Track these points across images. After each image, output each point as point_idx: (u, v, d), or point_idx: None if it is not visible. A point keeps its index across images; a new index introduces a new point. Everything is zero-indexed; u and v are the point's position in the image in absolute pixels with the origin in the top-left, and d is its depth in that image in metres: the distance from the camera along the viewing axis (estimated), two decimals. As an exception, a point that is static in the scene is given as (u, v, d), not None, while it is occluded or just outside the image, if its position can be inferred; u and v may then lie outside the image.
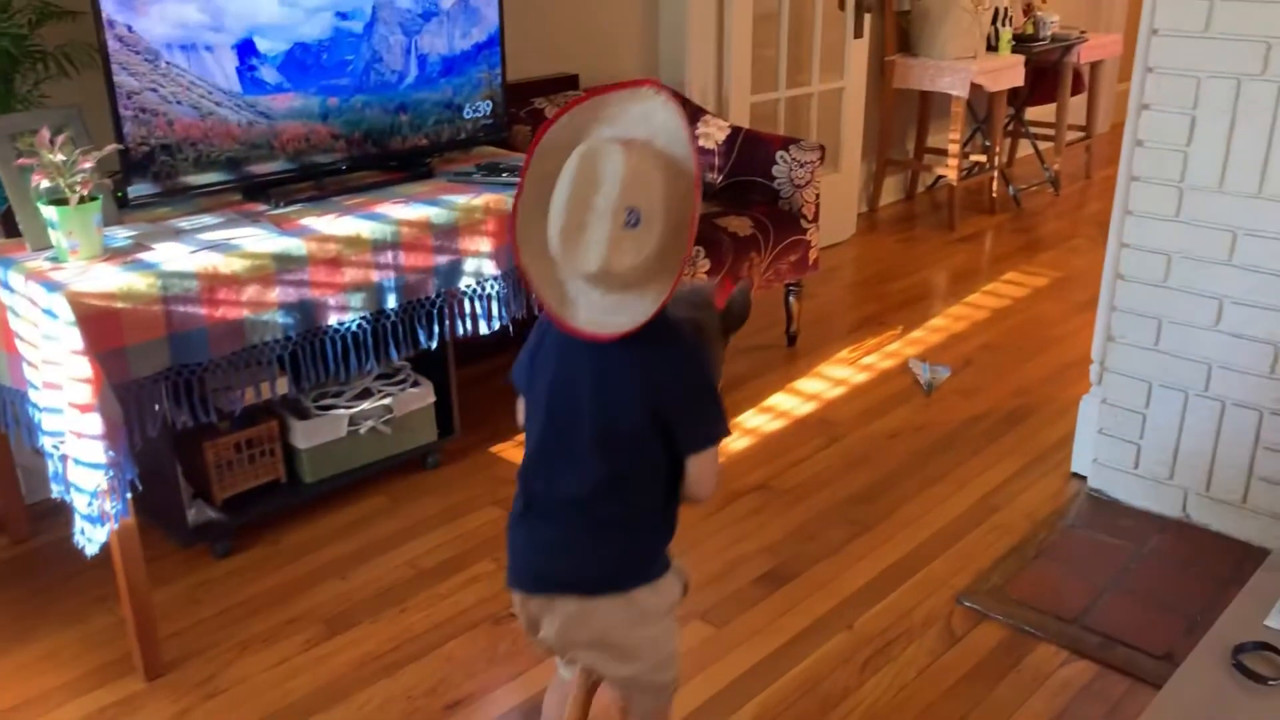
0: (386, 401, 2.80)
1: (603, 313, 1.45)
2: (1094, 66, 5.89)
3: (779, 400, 3.38)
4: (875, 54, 4.90)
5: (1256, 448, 2.50)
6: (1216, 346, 2.50)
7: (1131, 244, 2.58)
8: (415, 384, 2.88)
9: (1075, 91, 5.77)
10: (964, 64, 4.83)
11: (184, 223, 2.29)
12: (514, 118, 3.34)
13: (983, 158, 5.34)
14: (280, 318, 2.18)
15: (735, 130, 3.67)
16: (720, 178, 3.71)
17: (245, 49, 2.32)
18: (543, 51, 3.67)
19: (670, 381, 1.51)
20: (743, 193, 3.66)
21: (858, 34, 4.56)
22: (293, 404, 2.70)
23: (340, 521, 2.73)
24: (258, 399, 2.33)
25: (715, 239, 3.30)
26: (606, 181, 1.40)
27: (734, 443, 3.12)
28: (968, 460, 3.01)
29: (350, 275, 2.27)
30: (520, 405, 1.65)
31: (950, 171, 5.04)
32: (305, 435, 2.69)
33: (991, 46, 5.12)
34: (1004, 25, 5.17)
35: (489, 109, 2.82)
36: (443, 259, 2.43)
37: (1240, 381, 2.49)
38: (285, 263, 2.16)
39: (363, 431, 2.77)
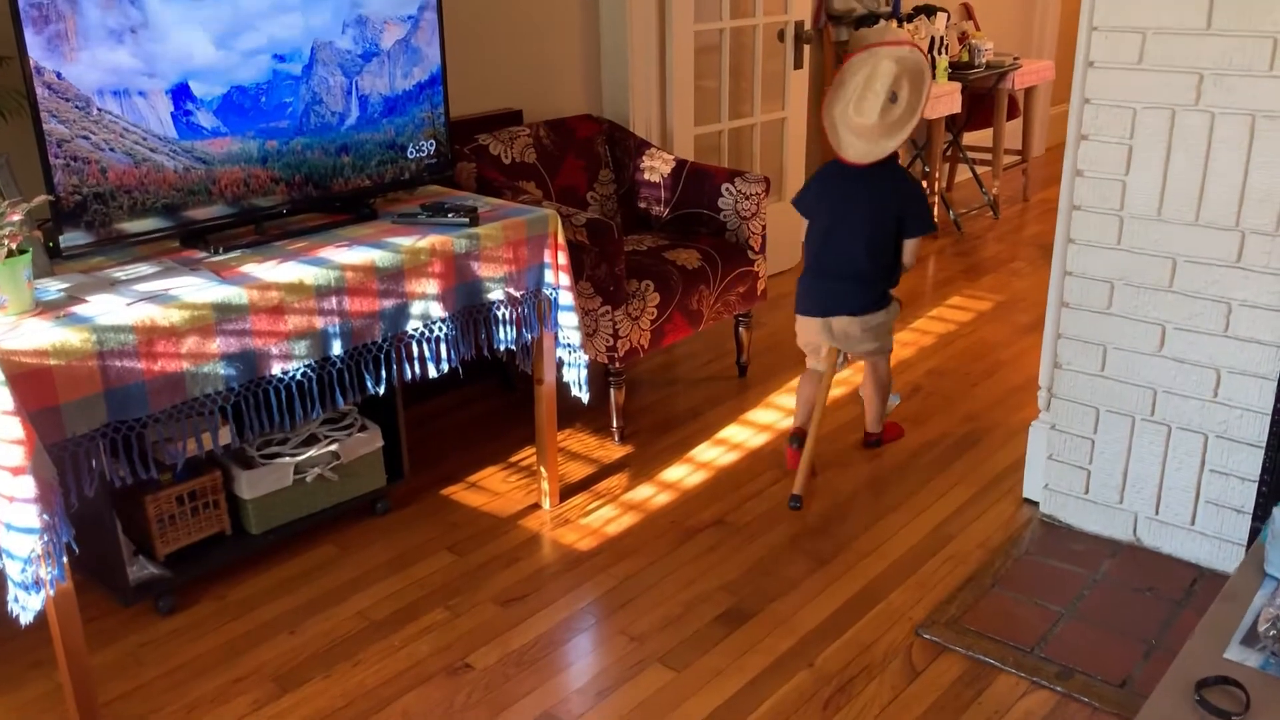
0: (333, 448, 2.74)
1: (863, 154, 2.83)
2: (1028, 92, 6.00)
3: (732, 432, 3.37)
4: (815, 84, 4.95)
5: (1203, 471, 2.54)
6: (1161, 372, 2.54)
7: (1075, 272, 2.61)
8: (363, 428, 2.83)
9: (1011, 116, 5.88)
10: (902, 92, 4.88)
11: (120, 272, 2.23)
12: (458, 154, 3.31)
13: (923, 183, 5.40)
14: (222, 369, 2.12)
15: (680, 164, 3.67)
16: (666, 211, 3.70)
17: (180, 94, 2.27)
18: (486, 87, 3.65)
19: (904, 193, 2.94)
20: (689, 225, 3.66)
21: (798, 65, 4.60)
22: (236, 453, 2.64)
23: (288, 572, 2.67)
24: (200, 450, 2.27)
25: (663, 272, 3.29)
26: (880, 78, 2.78)
27: (688, 478, 3.10)
28: (921, 489, 3.02)
29: (294, 323, 2.21)
30: (805, 227, 3.04)
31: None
32: (250, 485, 2.62)
33: (928, 74, 5.18)
34: (940, 53, 5.26)
35: (433, 148, 2.79)
36: (389, 303, 2.38)
37: (1184, 406, 2.52)
38: (226, 312, 2.11)
39: (309, 479, 2.71)
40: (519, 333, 2.67)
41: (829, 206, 2.93)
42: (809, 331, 3.04)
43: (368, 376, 2.39)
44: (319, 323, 2.26)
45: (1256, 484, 2.45)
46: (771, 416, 3.47)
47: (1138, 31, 2.37)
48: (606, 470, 3.15)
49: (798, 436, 3.10)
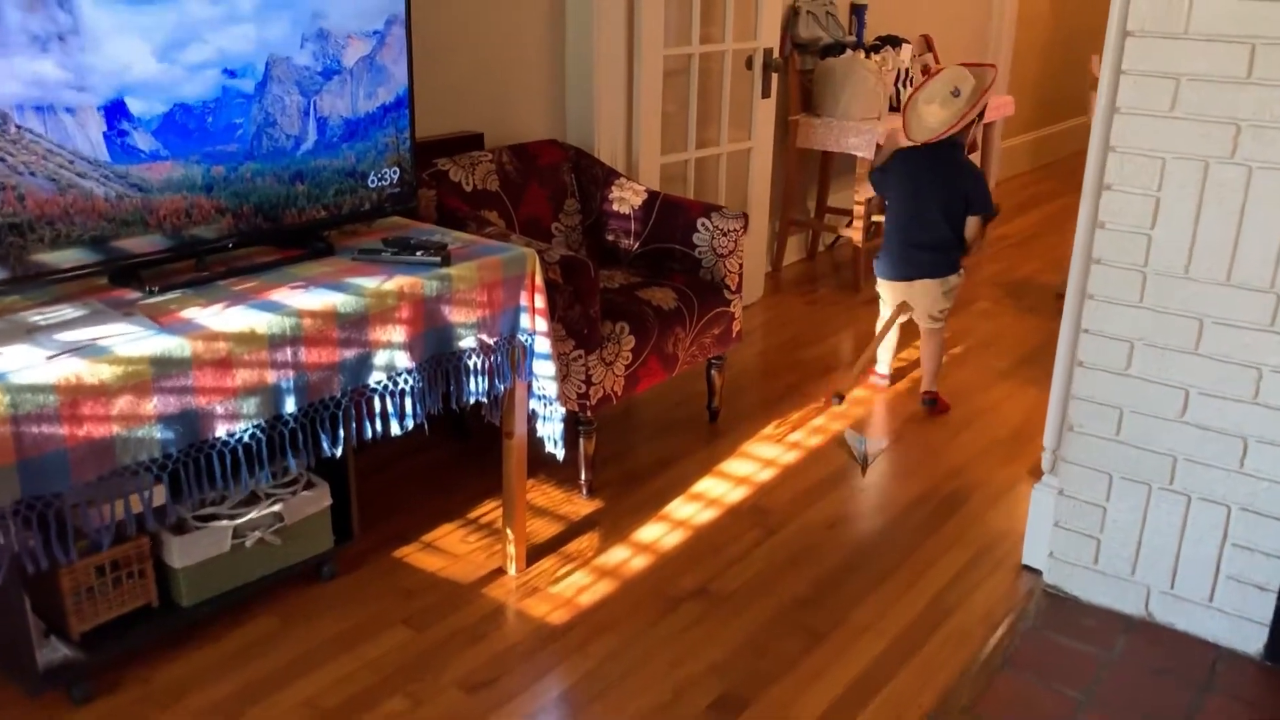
0: (277, 508, 2.45)
1: (925, 132, 3.51)
2: (986, 127, 5.92)
3: (708, 486, 3.14)
4: (781, 113, 4.77)
5: (1224, 544, 2.38)
6: (1182, 438, 2.38)
7: (1091, 329, 2.45)
8: (309, 485, 2.53)
9: (969, 152, 5.78)
10: (869, 125, 4.75)
11: (39, 316, 1.92)
12: (418, 180, 3.04)
13: (882, 217, 5.26)
14: (159, 432, 1.83)
15: (652, 195, 3.45)
16: (636, 245, 3.48)
17: (115, 111, 1.98)
18: (444, 108, 3.38)
19: (969, 174, 3.62)
20: (661, 261, 3.44)
21: (765, 94, 4.42)
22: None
23: (224, 651, 2.36)
24: (128, 517, 1.96)
25: (639, 313, 3.05)
26: (948, 81, 3.52)
27: (665, 539, 2.86)
28: (913, 553, 2.83)
29: (243, 377, 1.93)
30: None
31: (855, 233, 4.94)
32: (182, 552, 2.32)
33: (894, 107, 5.06)
34: (905, 86, 5.13)
35: (396, 176, 2.52)
36: (350, 353, 2.11)
37: (1207, 475, 2.37)
38: (165, 367, 1.82)
39: (249, 544, 2.41)
40: (491, 383, 2.41)
41: (908, 186, 3.62)
42: (885, 291, 3.76)
43: (323, 436, 2.11)
44: (271, 377, 1.98)
45: (1284, 561, 2.31)
46: (747, 468, 3.25)
47: (1171, 78, 2.21)
48: (576, 529, 2.90)
49: (839, 397, 3.68)
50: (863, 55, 4.90)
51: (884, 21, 5.48)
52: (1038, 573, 2.72)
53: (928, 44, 5.94)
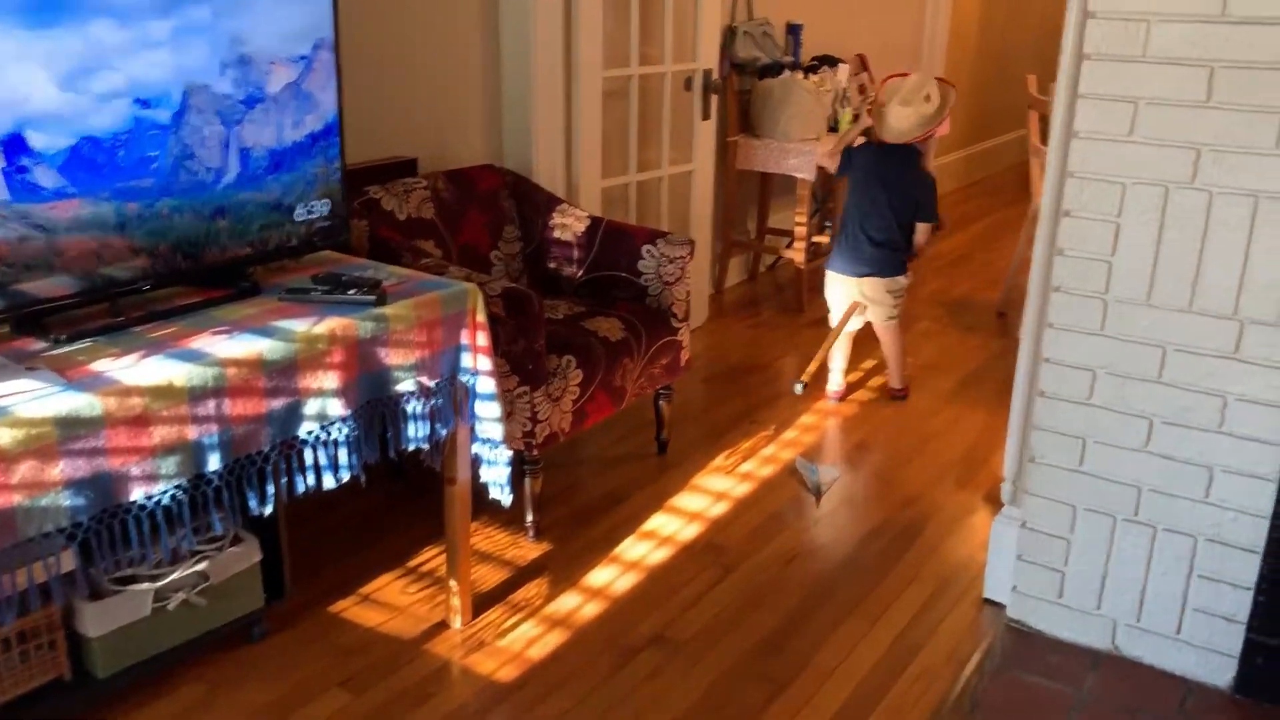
0: (201, 567, 2.27)
1: (897, 136, 3.63)
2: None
3: (660, 523, 3.03)
4: (721, 135, 4.70)
5: (1191, 576, 2.33)
6: (1146, 469, 2.32)
7: (1052, 358, 2.39)
8: (236, 540, 2.36)
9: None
10: (809, 146, 4.69)
11: (-73, 372, 1.74)
12: (350, 210, 2.89)
13: (824, 238, 5.22)
14: (67, 499, 1.66)
15: (596, 221, 3.34)
16: (580, 272, 3.36)
17: (13, 146, 1.81)
18: (376, 134, 3.24)
19: (921, 183, 3.71)
20: (606, 289, 3.33)
21: (705, 115, 4.34)
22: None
23: (145, 725, 2.18)
24: (30, 587, 1.78)
25: (585, 345, 2.93)
26: (920, 86, 3.62)
27: (617, 582, 2.74)
28: (873, 589, 2.74)
29: (161, 435, 1.77)
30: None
31: (798, 254, 4.88)
32: (97, 620, 2.13)
33: (832, 128, 5.02)
34: (843, 106, 5.09)
35: (326, 209, 2.38)
36: (278, 403, 1.96)
37: (1172, 506, 2.31)
38: (74, 427, 1.65)
39: (172, 606, 2.23)
40: (432, 428, 2.27)
41: (866, 181, 3.70)
42: (837, 286, 3.80)
43: (251, 494, 1.95)
44: (192, 433, 1.82)
45: (1252, 591, 2.26)
46: (699, 502, 3.15)
47: (1129, 101, 2.16)
48: (522, 575, 2.76)
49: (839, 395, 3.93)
50: (800, 76, 4.85)
51: (820, 42, 5.45)
52: (1000, 606, 2.65)
53: (863, 64, 5.92)
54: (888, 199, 3.67)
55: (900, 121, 3.64)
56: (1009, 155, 8.52)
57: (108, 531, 1.73)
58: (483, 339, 2.32)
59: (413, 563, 2.79)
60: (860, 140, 4.04)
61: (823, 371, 3.87)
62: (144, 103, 1.98)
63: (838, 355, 3.89)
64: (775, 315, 4.87)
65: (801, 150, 4.67)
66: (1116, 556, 2.41)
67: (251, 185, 2.20)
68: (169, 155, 2.04)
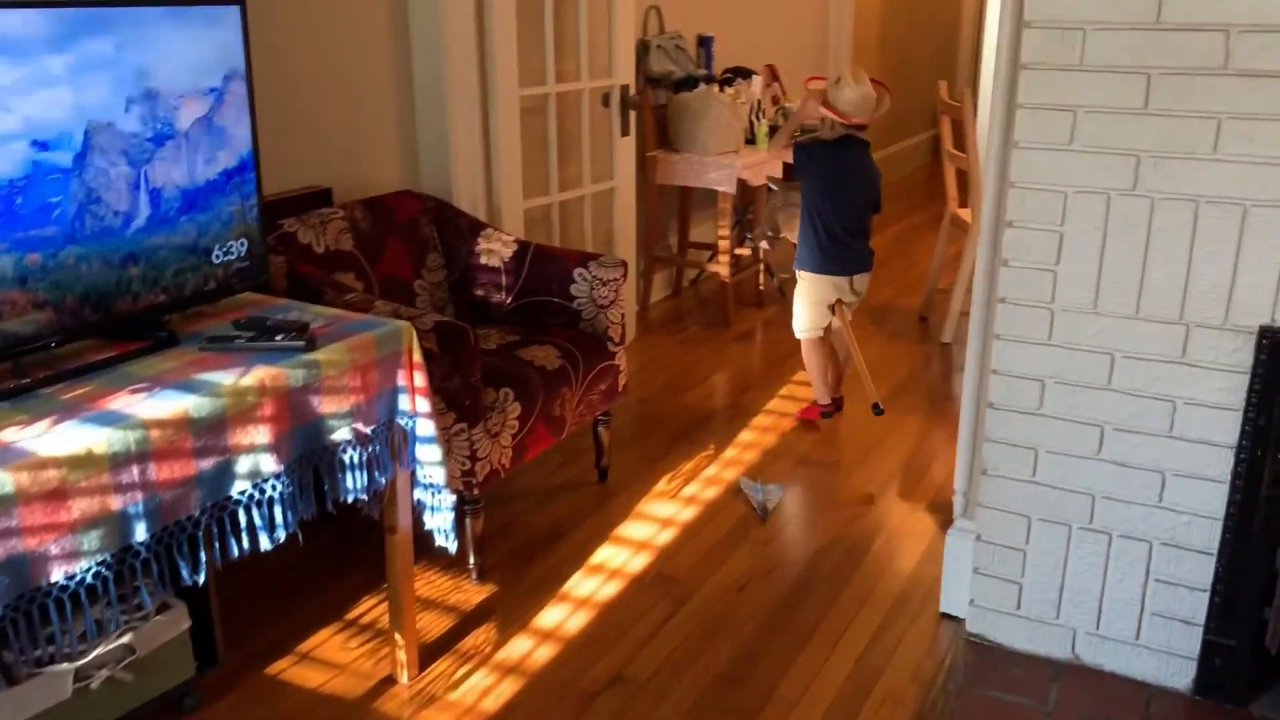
0: (126, 639, 2.11)
1: (864, 110, 3.53)
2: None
3: (607, 555, 2.93)
4: (637, 150, 4.64)
5: (1148, 581, 2.33)
6: (1099, 476, 2.32)
7: (1000, 370, 2.37)
8: (164, 608, 2.20)
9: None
10: (729, 159, 4.66)
11: None
12: (267, 248, 2.74)
13: (745, 250, 5.20)
14: (-23, 587, 1.50)
15: (523, 245, 3.23)
16: (509, 299, 3.25)
17: (-103, 199, 1.64)
18: (287, 164, 3.09)
19: (877, 173, 3.71)
20: (537, 315, 3.23)
21: (624, 132, 4.27)
22: (-8, 667, 1.96)
23: (72, 817, 2.01)
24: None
25: (521, 375, 2.83)
26: (855, 71, 3.57)
27: (569, 622, 2.64)
28: (829, 610, 2.69)
29: (81, 508, 1.62)
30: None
31: (722, 268, 4.84)
32: (13, 707, 1.96)
33: (749, 140, 5.00)
34: (759, 119, 5.07)
35: (244, 249, 2.24)
36: (208, 463, 1.82)
37: (1127, 512, 2.31)
38: (-19, 508, 1.50)
39: (96, 685, 2.07)
40: (370, 477, 2.15)
41: (839, 178, 3.60)
42: (829, 289, 3.66)
43: (182, 563, 1.81)
44: (116, 503, 1.68)
45: (1208, 593, 2.27)
46: (645, 530, 3.06)
47: (1068, 110, 2.15)
48: (469, 621, 2.64)
49: (837, 404, 3.85)
50: (716, 89, 4.82)
51: (730, 54, 5.44)
52: (958, 621, 2.62)
53: (773, 74, 5.93)
54: (856, 191, 3.61)
55: (866, 94, 3.50)
56: (916, 158, 8.66)
57: (24, 619, 1.58)
58: (420, 379, 2.21)
59: (351, 615, 2.65)
60: (805, 137, 3.90)
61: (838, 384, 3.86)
62: (42, 145, 1.82)
63: (821, 369, 3.78)
64: (702, 330, 4.82)
65: (721, 163, 4.63)
66: (1073, 565, 2.40)
67: (164, 228, 2.05)
68: (72, 200, 1.88)
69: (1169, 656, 2.35)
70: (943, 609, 2.67)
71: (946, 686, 2.40)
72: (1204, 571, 2.26)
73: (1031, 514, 2.41)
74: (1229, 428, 2.16)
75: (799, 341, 3.81)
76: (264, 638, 2.54)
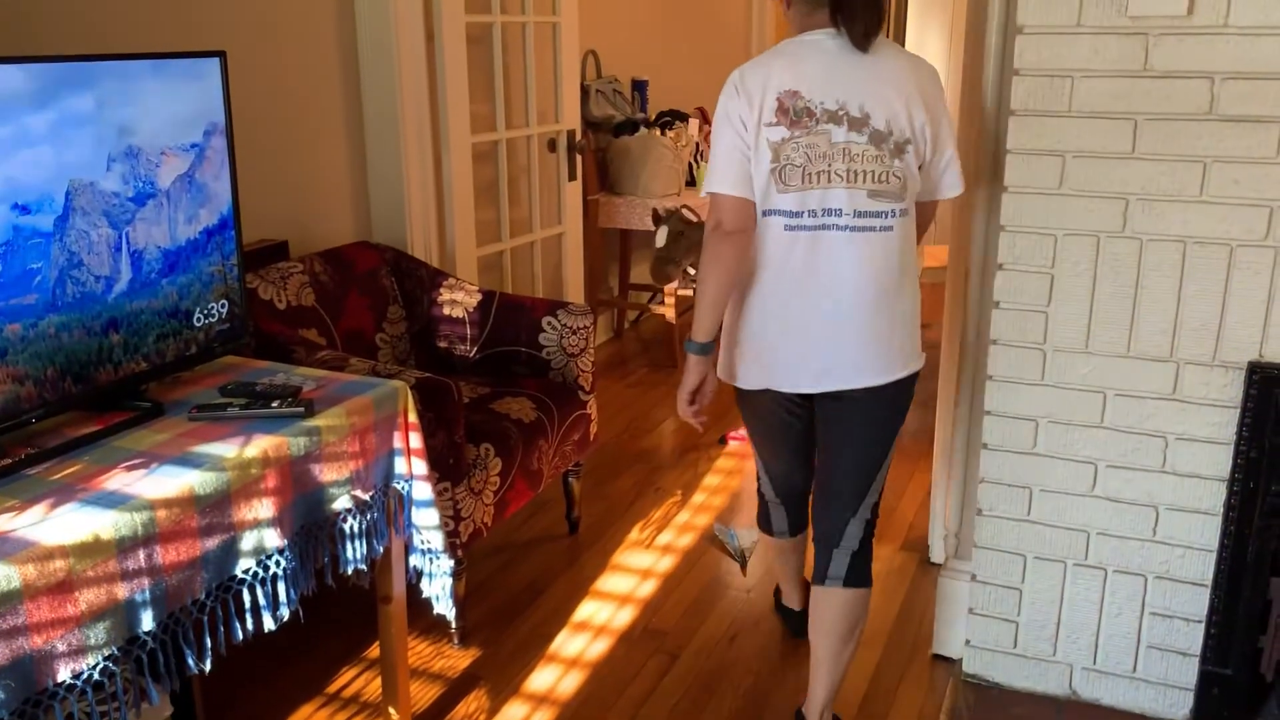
0: (109, 732, 1.96)
1: None
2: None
3: (590, 611, 2.86)
4: (586, 194, 4.61)
5: (1143, 614, 2.36)
6: (1094, 513, 2.34)
7: (994, 411, 2.38)
8: (141, 694, 2.05)
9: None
10: (671, 201, 4.66)
11: None
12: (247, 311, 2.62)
13: (689, 292, 5.20)
14: (-18, 695, 1.37)
15: (489, 295, 3.16)
16: (474, 350, 3.17)
17: (-125, 271, 1.51)
18: (245, 218, 2.95)
19: None
20: (504, 366, 3.15)
21: (571, 176, 4.24)
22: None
23: None
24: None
25: (500, 430, 2.76)
26: None
27: (561, 685, 2.56)
28: (824, 657, 2.66)
29: (88, 599, 1.50)
30: None
31: (669, 310, 4.83)
32: (-11, 817, 1.79)
33: (689, 182, 5.02)
34: (698, 161, 5.10)
35: (225, 310, 2.13)
36: (212, 542, 1.71)
37: (1122, 547, 2.34)
38: (-13, 608, 1.37)
39: (77, 784, 1.91)
40: (369, 545, 2.05)
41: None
42: None
43: (188, 651, 1.68)
44: (123, 591, 1.56)
45: (1204, 624, 2.30)
46: (625, 583, 3.00)
47: (1057, 155, 2.19)
48: (458, 688, 2.54)
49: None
50: (657, 132, 4.83)
51: (663, 97, 5.47)
52: (951, 661, 2.62)
53: (704, 117, 5.99)
54: None
55: None
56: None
57: (30, 725, 1.44)
58: (415, 440, 2.12)
59: (332, 686, 2.53)
60: None
61: None
62: (23, 208, 1.70)
63: None
64: (649, 373, 4.80)
65: (663, 206, 4.63)
66: (1070, 601, 2.42)
67: (145, 292, 1.94)
68: (54, 266, 1.76)
69: (1166, 688, 2.38)
70: (935, 650, 2.67)
71: (952, 730, 2.39)
72: (1199, 603, 2.30)
73: (1027, 552, 2.43)
74: (1221, 461, 2.21)
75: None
76: (243, 717, 2.40)
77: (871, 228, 2.01)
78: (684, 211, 3.80)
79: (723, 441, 3.92)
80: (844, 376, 2.08)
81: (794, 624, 2.74)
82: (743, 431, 3.77)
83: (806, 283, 2.03)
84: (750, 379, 2.17)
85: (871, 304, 2.03)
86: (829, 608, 2.22)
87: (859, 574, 2.22)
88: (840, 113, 1.97)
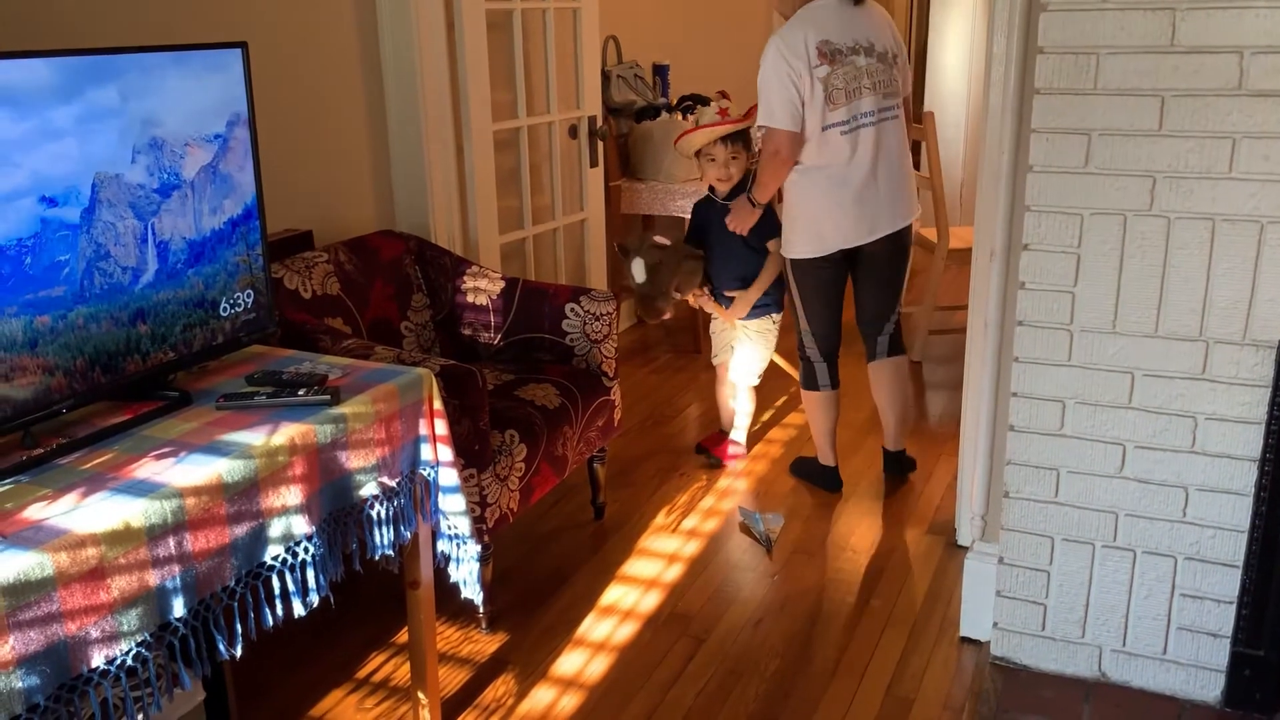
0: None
1: None
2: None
3: (617, 596, 2.87)
4: (608, 180, 4.60)
5: (1173, 595, 2.35)
6: (1123, 494, 2.33)
7: (1020, 392, 2.37)
8: (174, 680, 2.08)
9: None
10: (694, 186, 4.65)
11: None
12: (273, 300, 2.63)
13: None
14: (20, 680, 1.39)
15: (512, 282, 3.17)
16: (498, 338, 3.18)
17: (-93, 264, 1.53)
18: (269, 208, 2.96)
19: None
20: (528, 353, 3.16)
21: (593, 163, 4.24)
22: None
23: None
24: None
25: (524, 416, 2.77)
26: None
27: (589, 669, 2.57)
28: (851, 641, 2.66)
29: (120, 586, 1.52)
30: None
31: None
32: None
33: (712, 165, 4.99)
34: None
35: (250, 300, 2.15)
36: (242, 529, 1.73)
37: (1151, 528, 2.32)
38: (21, 596, 1.39)
39: (113, 769, 1.94)
40: (397, 531, 2.06)
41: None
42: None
43: (219, 637, 1.71)
44: (154, 578, 1.57)
45: (1235, 605, 2.29)
46: (652, 568, 3.01)
47: (1083, 133, 2.17)
48: (486, 673, 2.56)
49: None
50: (679, 117, 4.81)
51: (685, 81, 5.44)
52: (979, 644, 2.62)
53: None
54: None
55: None
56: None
57: (66, 711, 1.46)
58: (441, 427, 2.13)
59: (362, 673, 2.55)
60: None
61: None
62: (50, 201, 1.72)
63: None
64: (673, 358, 4.79)
65: (686, 191, 4.62)
66: (1098, 583, 2.40)
67: (171, 283, 1.96)
68: (81, 258, 1.78)
69: (1197, 670, 2.36)
70: (963, 633, 2.66)
71: (980, 712, 2.39)
72: (1230, 584, 2.28)
73: (1055, 534, 2.42)
74: (1251, 441, 2.19)
75: (774, 365, 3.83)
76: (272, 701, 2.43)
77: (886, 119, 3.04)
78: (655, 239, 3.54)
79: (700, 450, 3.77)
80: (881, 225, 3.08)
81: (830, 480, 3.42)
82: (728, 448, 3.71)
83: (857, 167, 3.00)
84: (814, 248, 3.10)
85: (895, 170, 3.06)
86: (884, 372, 3.33)
87: (896, 346, 3.32)
88: (858, 46, 2.96)
